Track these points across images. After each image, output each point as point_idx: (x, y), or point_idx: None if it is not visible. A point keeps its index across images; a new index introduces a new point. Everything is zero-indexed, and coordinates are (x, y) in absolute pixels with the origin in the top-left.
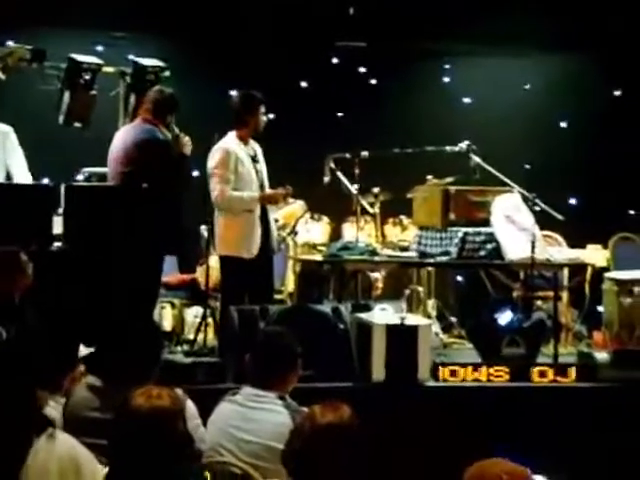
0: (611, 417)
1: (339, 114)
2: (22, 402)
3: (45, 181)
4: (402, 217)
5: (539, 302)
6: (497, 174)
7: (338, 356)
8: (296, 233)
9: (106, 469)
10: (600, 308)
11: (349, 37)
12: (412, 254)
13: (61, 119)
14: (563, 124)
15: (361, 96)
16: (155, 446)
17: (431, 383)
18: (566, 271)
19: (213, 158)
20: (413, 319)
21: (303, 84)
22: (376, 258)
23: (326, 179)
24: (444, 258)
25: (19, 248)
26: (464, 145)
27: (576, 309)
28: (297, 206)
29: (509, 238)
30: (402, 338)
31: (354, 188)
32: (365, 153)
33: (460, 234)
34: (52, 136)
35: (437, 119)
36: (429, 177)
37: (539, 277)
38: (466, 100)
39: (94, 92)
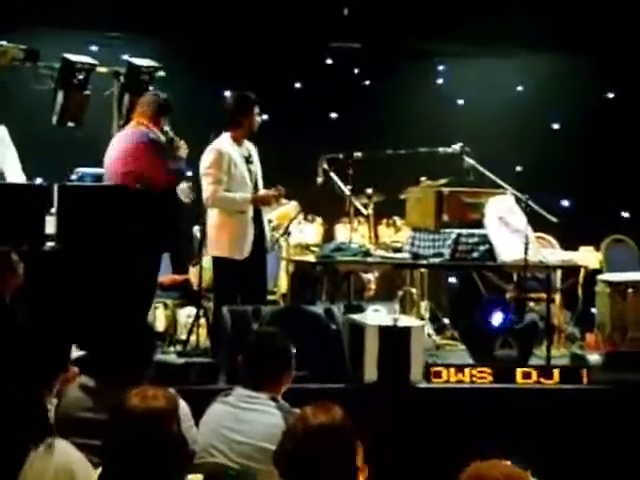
0: (602, 419)
1: (333, 115)
2: (30, 406)
3: (38, 181)
4: (395, 218)
5: (532, 304)
6: (490, 175)
7: (330, 357)
8: (289, 234)
9: (99, 470)
10: (593, 310)
11: (343, 38)
12: (405, 255)
13: (54, 119)
14: (556, 125)
15: (355, 97)
16: (149, 447)
17: (423, 384)
18: (559, 273)
19: (206, 159)
20: (406, 320)
21: (297, 85)
22: (369, 259)
23: (319, 180)
24: (437, 259)
25: (10, 248)
26: (457, 147)
27: (569, 311)
28: (290, 207)
29: (502, 240)
30: (395, 339)
31: (347, 189)
32: (358, 154)
33: (453, 235)
34: (45, 136)
35: (430, 120)
36: (422, 178)
37: (532, 279)
38: (459, 101)
39: (88, 92)
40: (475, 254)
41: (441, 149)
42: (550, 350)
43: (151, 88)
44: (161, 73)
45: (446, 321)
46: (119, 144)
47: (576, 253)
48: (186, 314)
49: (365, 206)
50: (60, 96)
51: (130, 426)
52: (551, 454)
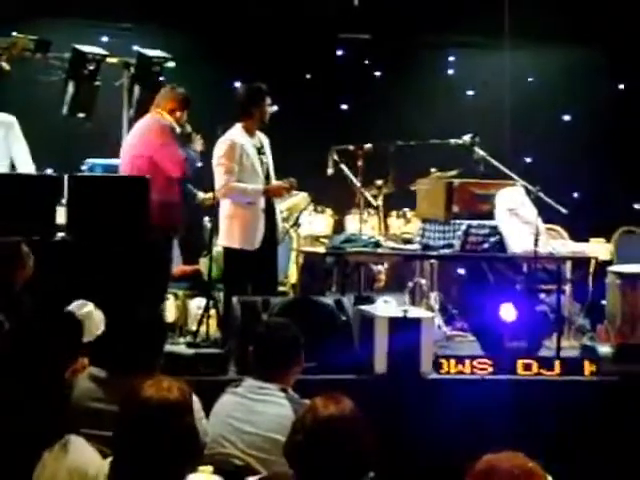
0: (612, 411)
1: (343, 106)
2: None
3: (49, 171)
4: (405, 210)
5: (542, 295)
6: (501, 167)
7: (340, 348)
8: (299, 225)
9: (109, 459)
10: (603, 302)
11: (353, 29)
12: (415, 247)
13: (65, 109)
14: (566, 117)
15: (365, 88)
16: (162, 439)
17: (434, 376)
18: (569, 264)
19: (218, 150)
20: (416, 312)
21: (307, 76)
22: (379, 250)
23: (330, 171)
24: (447, 251)
25: (21, 239)
26: (468, 138)
27: (579, 303)
28: (300, 198)
29: (512, 231)
30: (405, 331)
31: (357, 180)
32: (369, 145)
33: (463, 227)
34: (56, 127)
35: (441, 111)
36: (433, 170)
37: (542, 270)
38: (470, 92)
39: (98, 83)
40: (485, 245)
41: (451, 140)
42: (560, 342)
43: (161, 79)
44: (171, 64)
45: (456, 312)
46: (135, 130)
47: (586, 245)
48: (196, 305)
49: (375, 197)
50: (70, 87)
51: (144, 417)
52: (558, 446)
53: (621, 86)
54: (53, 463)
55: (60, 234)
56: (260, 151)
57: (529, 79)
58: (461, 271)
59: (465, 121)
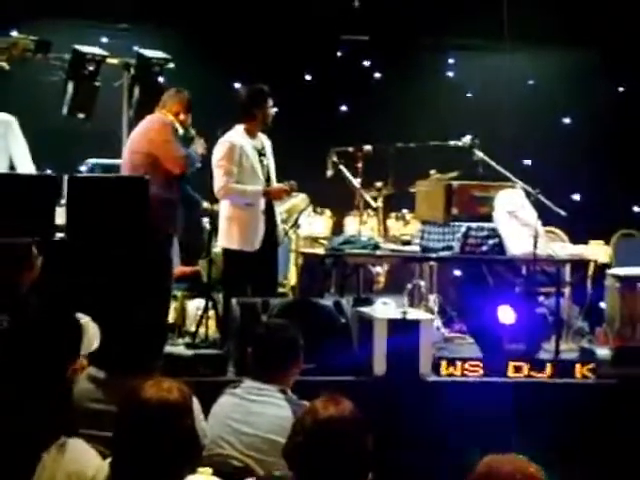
0: (610, 414)
1: (343, 108)
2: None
3: (48, 172)
4: (405, 211)
5: (541, 298)
6: (500, 169)
7: (339, 350)
8: (299, 226)
9: (108, 460)
10: (602, 304)
11: (353, 31)
12: (414, 248)
13: (65, 109)
14: (566, 119)
15: (365, 90)
16: (162, 440)
17: (432, 378)
18: (568, 267)
19: (218, 151)
20: (415, 313)
21: (307, 77)
22: (378, 252)
23: (329, 172)
24: (446, 253)
25: (31, 240)
26: (467, 140)
27: (578, 305)
28: (300, 199)
29: (512, 233)
30: (404, 332)
31: (357, 182)
32: (368, 147)
33: (463, 229)
34: (56, 127)
35: (440, 113)
36: (432, 171)
37: (541, 273)
38: (469, 95)
39: (98, 83)
40: (484, 247)
41: (451, 142)
42: (559, 344)
43: (161, 79)
44: (171, 65)
45: (455, 314)
46: (138, 127)
47: (586, 247)
48: (195, 306)
49: (374, 199)
50: (70, 87)
51: (144, 418)
52: (555, 449)
53: (620, 89)
54: (52, 465)
55: (59, 234)
56: (261, 153)
57: (529, 81)
58: (457, 272)
59: (465, 123)
